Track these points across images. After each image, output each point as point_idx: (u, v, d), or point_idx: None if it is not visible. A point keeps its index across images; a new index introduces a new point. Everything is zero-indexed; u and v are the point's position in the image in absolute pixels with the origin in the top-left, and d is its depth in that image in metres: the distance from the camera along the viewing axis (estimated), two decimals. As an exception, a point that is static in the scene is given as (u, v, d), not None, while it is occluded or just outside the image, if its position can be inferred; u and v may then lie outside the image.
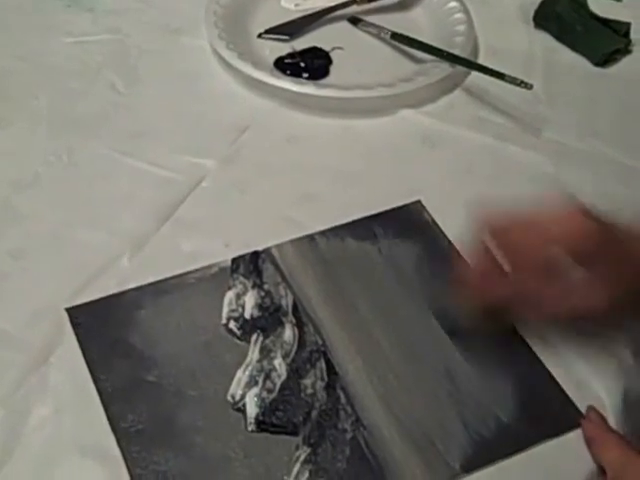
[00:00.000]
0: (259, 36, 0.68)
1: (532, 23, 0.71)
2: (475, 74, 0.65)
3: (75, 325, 0.47)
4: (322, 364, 0.46)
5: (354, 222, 0.55)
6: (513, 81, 0.61)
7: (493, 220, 0.45)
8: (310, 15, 0.69)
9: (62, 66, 0.64)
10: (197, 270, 0.51)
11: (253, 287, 0.50)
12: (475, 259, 0.47)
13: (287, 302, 0.50)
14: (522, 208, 0.45)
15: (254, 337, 0.48)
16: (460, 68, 0.65)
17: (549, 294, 0.46)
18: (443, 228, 0.55)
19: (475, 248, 0.47)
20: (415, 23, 0.70)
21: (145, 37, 0.67)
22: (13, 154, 0.57)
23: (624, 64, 0.69)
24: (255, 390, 0.45)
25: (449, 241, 0.54)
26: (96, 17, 0.68)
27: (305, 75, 0.64)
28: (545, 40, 0.71)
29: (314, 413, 0.45)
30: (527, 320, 0.48)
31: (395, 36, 0.67)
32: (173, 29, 0.68)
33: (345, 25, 0.70)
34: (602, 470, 0.44)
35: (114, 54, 0.65)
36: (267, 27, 0.68)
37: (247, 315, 0.49)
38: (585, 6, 0.71)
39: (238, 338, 0.48)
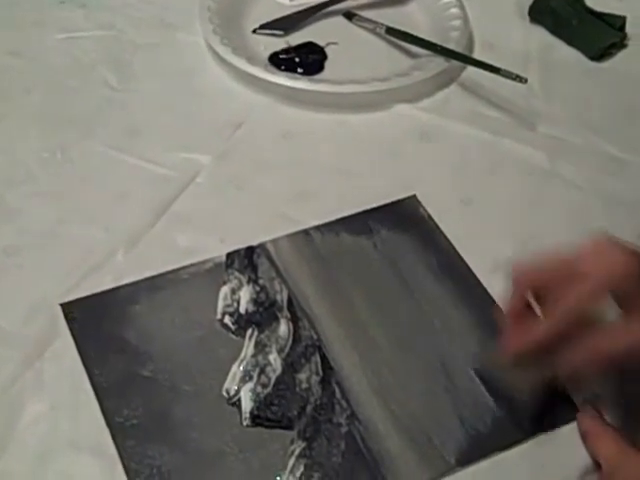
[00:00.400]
0: (254, 31, 0.68)
1: (527, 18, 0.71)
2: (471, 69, 0.65)
3: (70, 321, 0.47)
4: (317, 358, 0.46)
5: (349, 217, 0.54)
6: (508, 75, 0.61)
7: (531, 277, 0.43)
8: (305, 10, 0.69)
9: (55, 62, 0.64)
10: (192, 265, 0.51)
11: (248, 282, 0.50)
12: (513, 313, 0.44)
13: (282, 297, 0.49)
14: (554, 255, 0.42)
15: (249, 332, 0.48)
16: (455, 63, 0.65)
17: (592, 342, 0.41)
18: (438, 223, 0.54)
19: (513, 305, 0.44)
20: (410, 18, 0.70)
21: (139, 33, 0.67)
22: (5, 151, 0.57)
23: (620, 58, 0.69)
24: (250, 385, 0.45)
25: (444, 236, 0.54)
26: (89, 13, 0.68)
27: (300, 70, 0.64)
28: (540, 35, 0.70)
29: (309, 407, 0.45)
30: (567, 373, 0.44)
31: (390, 31, 0.67)
32: (167, 24, 0.68)
33: (340, 20, 0.70)
34: (597, 464, 0.44)
35: (108, 50, 0.65)
36: (262, 22, 0.68)
37: (242, 310, 0.49)
38: (580, 0, 0.71)
39: (233, 333, 0.48)
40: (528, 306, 0.44)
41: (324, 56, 0.66)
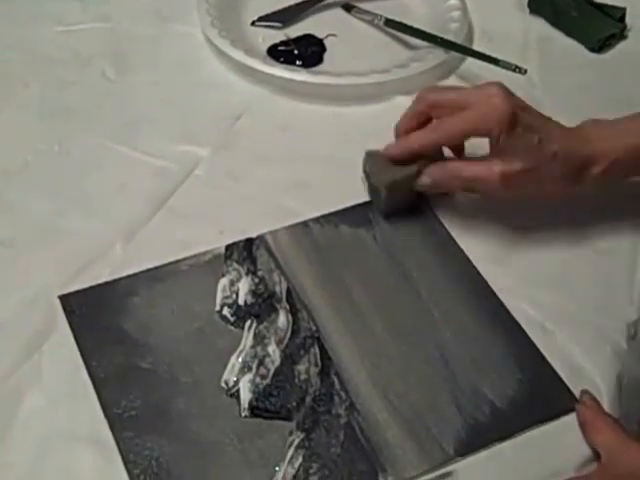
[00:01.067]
0: (252, 24, 0.68)
1: (527, 9, 0.71)
2: (470, 60, 0.65)
3: (68, 313, 0.47)
4: (316, 350, 0.46)
5: (348, 209, 0.54)
6: (507, 66, 0.61)
7: (430, 93, 0.53)
8: (303, 2, 0.69)
9: (53, 55, 0.64)
10: (191, 257, 0.51)
11: (247, 274, 0.50)
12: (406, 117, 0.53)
13: (281, 288, 0.49)
14: (455, 87, 0.53)
15: (248, 323, 0.48)
16: (455, 54, 0.65)
17: (454, 165, 0.51)
18: (437, 214, 0.54)
19: (408, 116, 0.53)
20: (409, 9, 0.70)
21: (136, 25, 0.66)
22: (3, 143, 0.57)
23: (619, 49, 0.69)
24: (249, 376, 0.45)
25: (444, 227, 0.54)
26: (86, 5, 0.68)
27: (298, 62, 0.64)
28: (540, 26, 0.70)
29: (308, 398, 0.44)
30: (428, 181, 0.52)
31: (389, 22, 0.67)
32: (165, 17, 0.67)
33: (339, 12, 0.70)
34: (596, 454, 0.44)
35: (105, 42, 0.65)
36: (260, 14, 0.68)
37: (241, 302, 0.49)
38: (580, -9, 0.71)
39: (232, 324, 0.48)
40: (420, 123, 0.53)
41: (323, 48, 0.66)
